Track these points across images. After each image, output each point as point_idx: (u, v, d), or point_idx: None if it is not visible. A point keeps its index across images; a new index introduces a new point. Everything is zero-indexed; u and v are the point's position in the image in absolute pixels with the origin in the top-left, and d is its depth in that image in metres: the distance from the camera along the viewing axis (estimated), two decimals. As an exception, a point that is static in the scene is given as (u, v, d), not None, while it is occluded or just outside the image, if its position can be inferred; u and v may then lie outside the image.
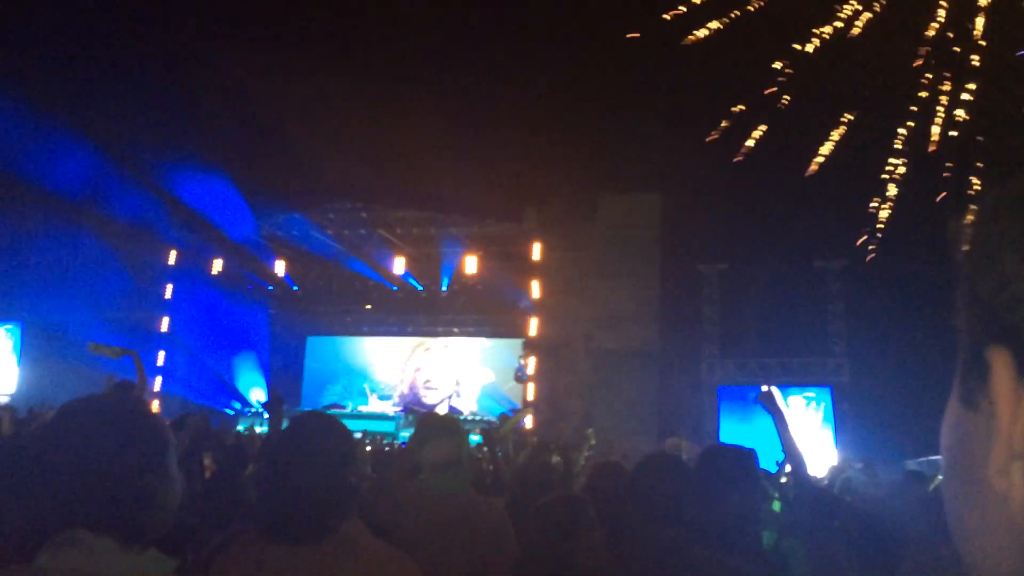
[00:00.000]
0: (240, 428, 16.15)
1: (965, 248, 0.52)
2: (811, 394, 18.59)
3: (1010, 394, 0.48)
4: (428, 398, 23.58)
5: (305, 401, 23.29)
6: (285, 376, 23.96)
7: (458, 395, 23.33)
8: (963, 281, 0.52)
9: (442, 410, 21.83)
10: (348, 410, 21.71)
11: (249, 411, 22.00)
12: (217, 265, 22.53)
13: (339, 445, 2.15)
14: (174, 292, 22.05)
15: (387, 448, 11.79)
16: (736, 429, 17.14)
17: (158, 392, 20.23)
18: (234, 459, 5.05)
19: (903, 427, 14.58)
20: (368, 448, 10.58)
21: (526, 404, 19.63)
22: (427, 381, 23.84)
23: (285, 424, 2.40)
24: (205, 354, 22.23)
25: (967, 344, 0.52)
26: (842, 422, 18.07)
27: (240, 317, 23.60)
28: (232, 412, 22.01)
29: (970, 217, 0.52)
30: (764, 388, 3.58)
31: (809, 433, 17.58)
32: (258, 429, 14.32)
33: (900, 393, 15.77)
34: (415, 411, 21.44)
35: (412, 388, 23.91)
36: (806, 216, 18.24)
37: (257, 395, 22.98)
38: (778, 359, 19.03)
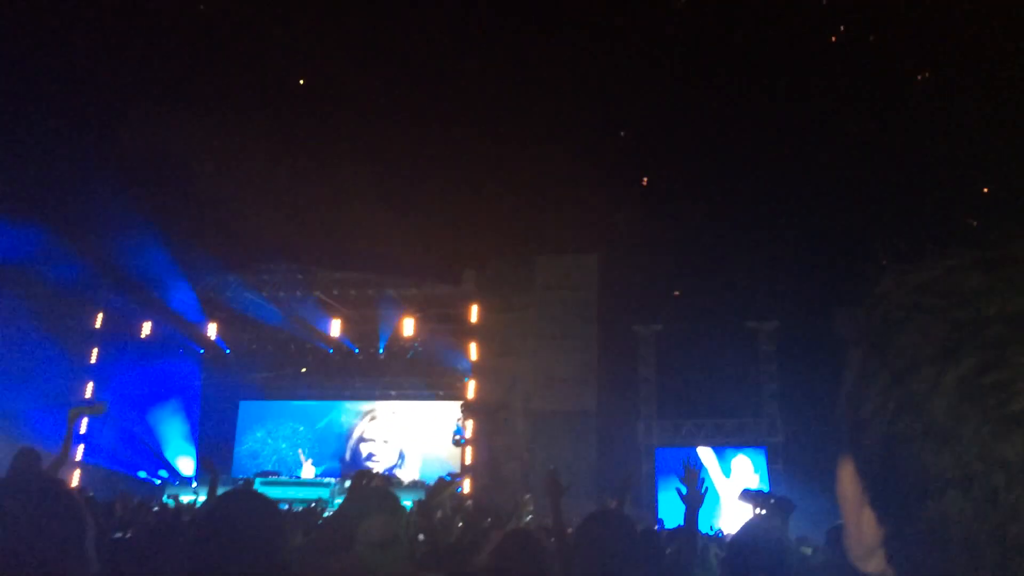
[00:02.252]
0: (166, 499, 15.55)
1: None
2: (755, 458, 18.80)
3: (854, 500, 0.55)
4: (371, 461, 23.13)
5: (237, 467, 22.61)
6: (217, 441, 23.28)
7: (400, 466, 22.97)
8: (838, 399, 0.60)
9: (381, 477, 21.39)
10: (281, 477, 21.11)
11: (176, 481, 21.22)
12: (146, 328, 21.93)
13: (266, 526, 2.09)
14: (100, 356, 21.35)
15: (320, 515, 11.45)
16: (673, 492, 17.12)
17: (80, 462, 19.42)
18: (159, 536, 4.84)
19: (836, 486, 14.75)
20: (299, 515, 10.27)
21: (464, 468, 19.41)
22: (370, 454, 23.43)
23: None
24: (132, 421, 21.48)
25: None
26: (776, 482, 18.25)
27: (170, 381, 22.94)
28: (159, 482, 21.20)
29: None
30: (688, 467, 3.73)
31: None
32: (185, 499, 13.80)
33: (833, 452, 15.99)
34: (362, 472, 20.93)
35: (354, 457, 23.44)
36: (738, 277, 18.66)
37: (186, 463, 22.23)
38: (713, 420, 19.23)
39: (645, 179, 20.44)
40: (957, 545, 0.49)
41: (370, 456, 23.41)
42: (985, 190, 15.92)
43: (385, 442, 23.54)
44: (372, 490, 4.07)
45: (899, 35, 15.97)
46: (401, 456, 23.19)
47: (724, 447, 18.60)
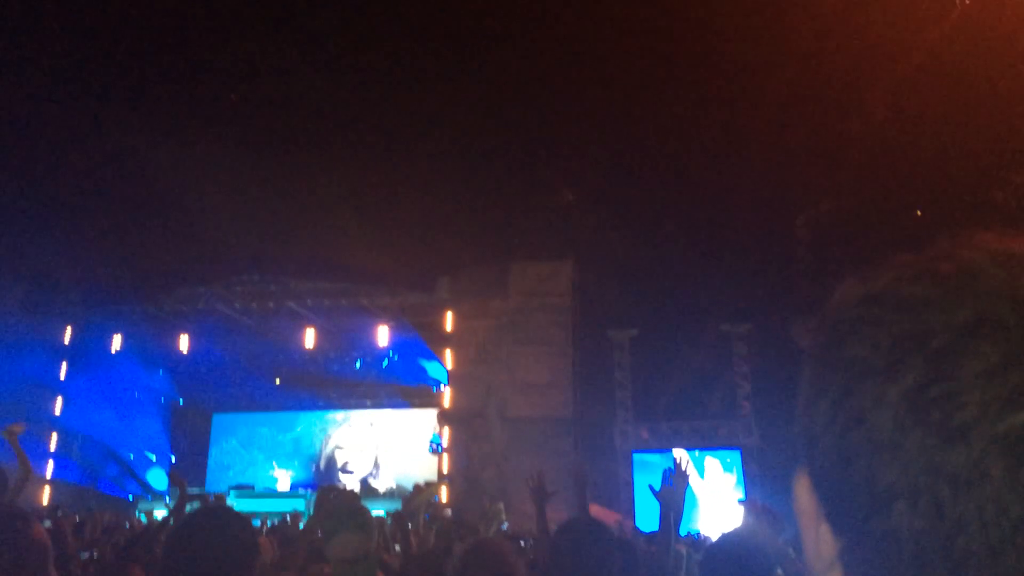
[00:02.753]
0: (139, 515, 15.36)
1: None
2: (728, 460, 18.91)
3: (810, 514, 0.55)
4: (344, 480, 22.99)
5: (210, 481, 22.37)
6: (190, 454, 23.04)
7: (375, 476, 22.84)
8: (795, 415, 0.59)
9: (356, 487, 21.27)
10: (255, 489, 20.91)
11: (150, 496, 20.95)
12: (116, 342, 21.65)
13: (238, 545, 2.07)
14: (69, 371, 21.04)
15: (295, 528, 11.35)
16: (650, 495, 17.19)
17: (50, 479, 19.13)
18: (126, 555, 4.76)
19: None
20: (273, 528, 10.17)
21: (441, 477, 19.35)
22: (345, 463, 23.28)
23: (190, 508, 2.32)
24: (103, 435, 21.18)
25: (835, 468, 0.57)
26: (751, 483, 18.38)
27: (141, 395, 22.68)
28: (132, 497, 20.93)
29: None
30: (667, 481, 3.77)
31: (723, 496, 17.82)
32: (159, 514, 13.63)
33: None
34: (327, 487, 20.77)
35: (329, 465, 23.30)
36: (712, 281, 18.78)
37: (158, 477, 21.97)
38: (689, 423, 19.33)
39: (619, 185, 20.53)
40: (908, 558, 0.49)
41: (345, 465, 23.27)
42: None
43: (361, 451, 23.41)
44: (342, 506, 4.02)
45: (855, 45, 16.17)
46: (376, 465, 23.07)
47: (700, 449, 18.68)
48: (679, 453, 4.79)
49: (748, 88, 17.99)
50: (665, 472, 4.19)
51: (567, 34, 19.02)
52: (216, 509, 2.29)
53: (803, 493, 0.56)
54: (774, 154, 17.92)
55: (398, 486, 21.33)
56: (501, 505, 7.86)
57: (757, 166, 18.48)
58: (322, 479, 22.70)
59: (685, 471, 4.27)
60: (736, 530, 4.03)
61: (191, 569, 2.01)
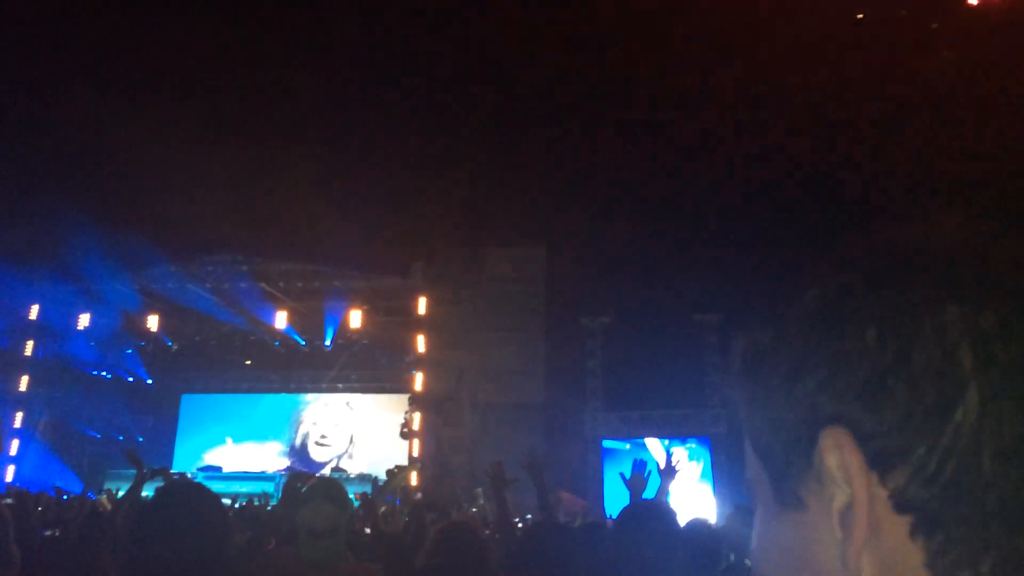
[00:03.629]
0: (104, 494, 15.19)
1: (761, 361, 0.58)
2: (692, 446, 19.04)
3: (862, 467, 0.50)
4: (318, 456, 22.90)
5: (178, 462, 22.18)
6: (157, 435, 22.83)
7: (350, 456, 22.77)
8: (771, 391, 0.56)
9: (328, 471, 21.22)
10: (224, 471, 20.76)
11: (115, 475, 20.73)
12: (84, 320, 21.35)
13: (209, 522, 2.05)
14: (35, 349, 20.74)
15: (264, 510, 11.31)
16: (619, 483, 17.32)
17: (15, 456, 18.90)
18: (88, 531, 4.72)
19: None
20: (242, 509, 10.13)
21: (412, 460, 19.33)
22: (323, 436, 23.18)
23: (149, 491, 2.29)
24: (68, 414, 20.93)
25: (780, 448, 0.56)
26: (720, 472, 18.55)
27: (109, 374, 22.42)
28: (97, 477, 20.69)
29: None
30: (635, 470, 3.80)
31: (688, 485, 17.96)
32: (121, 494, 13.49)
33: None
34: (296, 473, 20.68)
35: (304, 443, 23.19)
36: (684, 270, 18.89)
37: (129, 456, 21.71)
38: (660, 411, 19.44)
39: (594, 173, 20.56)
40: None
41: (322, 438, 23.16)
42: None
43: (336, 425, 23.32)
44: (316, 480, 4.01)
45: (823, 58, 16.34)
46: (352, 442, 22.99)
47: (670, 437, 18.82)
48: (651, 444, 4.91)
49: (721, 77, 18.08)
50: (636, 462, 4.22)
51: (540, 20, 18.98)
52: (184, 485, 2.27)
53: (848, 446, 0.51)
54: (748, 146, 18.04)
55: (369, 471, 21.30)
56: (480, 490, 7.91)
57: (732, 157, 18.59)
58: (296, 457, 22.62)
59: (674, 467, 4.33)
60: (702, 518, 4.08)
61: (161, 549, 1.97)
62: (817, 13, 15.82)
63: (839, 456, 0.51)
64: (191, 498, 2.13)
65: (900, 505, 0.50)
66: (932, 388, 0.48)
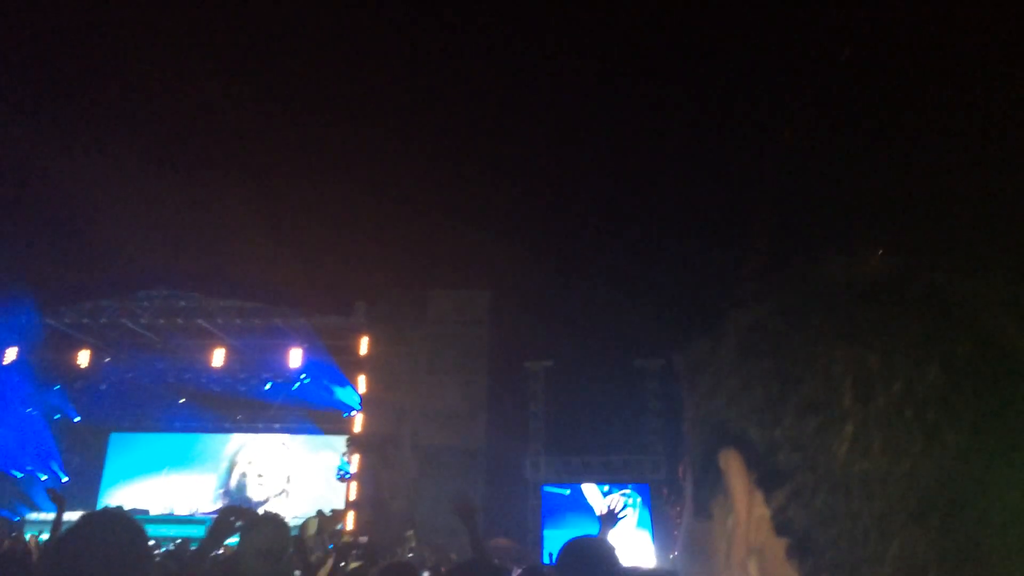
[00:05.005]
0: (27, 535, 14.56)
1: (692, 375, 0.64)
2: (628, 491, 19.03)
3: (745, 488, 0.56)
4: (255, 494, 22.29)
5: (103, 503, 21.37)
6: (83, 474, 22.01)
7: (287, 494, 22.21)
8: (691, 407, 0.63)
9: (262, 512, 20.66)
10: (151, 514, 20.04)
11: (38, 517, 19.87)
12: (10, 354, 20.56)
13: (128, 544, 1.97)
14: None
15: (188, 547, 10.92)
16: (558, 529, 17.23)
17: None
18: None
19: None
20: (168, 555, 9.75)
21: (348, 504, 18.94)
22: (259, 476, 22.59)
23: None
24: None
25: (697, 462, 0.62)
26: (659, 519, 18.56)
27: (34, 410, 21.60)
28: (18, 518, 19.81)
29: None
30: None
31: (625, 532, 17.91)
32: (44, 536, 12.93)
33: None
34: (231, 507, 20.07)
35: (240, 484, 22.54)
36: (626, 316, 19.08)
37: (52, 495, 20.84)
38: (600, 457, 19.43)
39: (538, 218, 20.73)
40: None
41: (259, 477, 22.58)
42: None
43: (272, 466, 22.77)
44: (262, 513, 3.95)
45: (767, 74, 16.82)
46: (288, 480, 22.46)
47: (610, 484, 18.79)
48: (612, 498, 4.94)
49: (669, 125, 18.49)
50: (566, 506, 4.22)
51: (490, 63, 19.23)
52: (104, 515, 2.18)
53: (736, 468, 0.57)
54: (692, 192, 18.39)
55: (304, 515, 20.77)
56: (412, 532, 7.83)
57: (676, 204, 18.93)
58: (231, 499, 21.97)
59: (616, 514, 4.35)
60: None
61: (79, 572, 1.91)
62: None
63: (728, 476, 0.57)
64: (110, 528, 2.06)
65: (780, 526, 0.54)
66: (814, 418, 0.53)
